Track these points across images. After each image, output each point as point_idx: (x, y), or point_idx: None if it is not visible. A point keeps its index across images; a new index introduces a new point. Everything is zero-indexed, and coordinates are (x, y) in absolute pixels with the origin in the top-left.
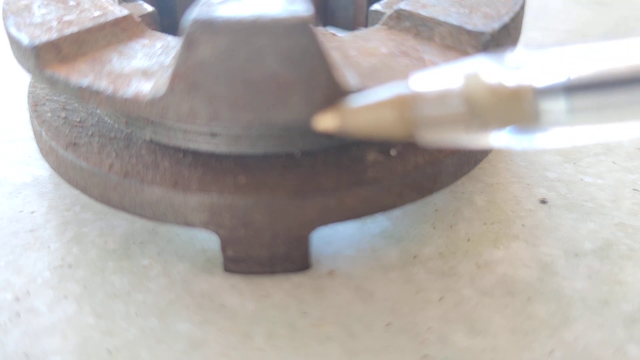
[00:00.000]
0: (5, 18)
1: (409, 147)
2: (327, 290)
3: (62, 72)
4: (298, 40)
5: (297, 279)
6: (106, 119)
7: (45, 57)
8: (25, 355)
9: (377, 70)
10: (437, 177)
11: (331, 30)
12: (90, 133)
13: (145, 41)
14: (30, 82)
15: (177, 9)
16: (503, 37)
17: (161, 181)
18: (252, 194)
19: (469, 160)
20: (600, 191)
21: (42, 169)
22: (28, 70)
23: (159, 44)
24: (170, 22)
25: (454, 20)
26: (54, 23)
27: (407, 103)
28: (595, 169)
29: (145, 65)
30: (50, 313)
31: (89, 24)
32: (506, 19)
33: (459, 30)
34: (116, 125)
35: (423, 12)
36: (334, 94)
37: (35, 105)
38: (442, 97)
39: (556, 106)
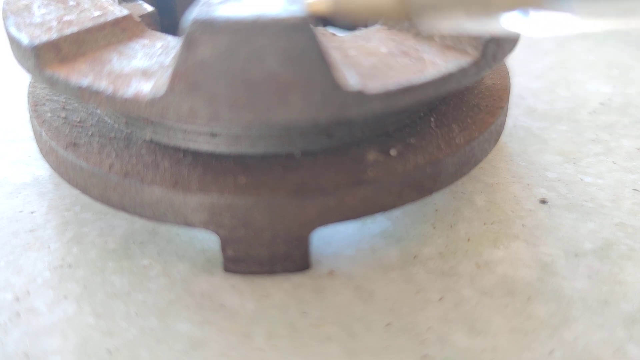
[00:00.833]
0: (5, 18)
1: (409, 147)
2: (327, 290)
3: (62, 72)
4: (298, 40)
5: (297, 279)
6: (106, 119)
7: (45, 57)
8: (25, 355)
9: (377, 70)
10: (437, 177)
11: (331, 30)
12: (90, 133)
13: (145, 41)
14: (30, 82)
15: (177, 9)
16: (503, 37)
17: (161, 181)
18: (252, 194)
19: (469, 160)
20: (600, 191)
21: (42, 169)
22: (28, 70)
23: (159, 44)
24: (170, 22)
25: None
26: (54, 23)
27: None
28: (595, 169)
29: (145, 65)
30: (50, 313)
31: (88, 24)
32: None
33: None
34: (116, 125)
35: None
36: (334, 93)
37: (35, 105)
38: None
39: None
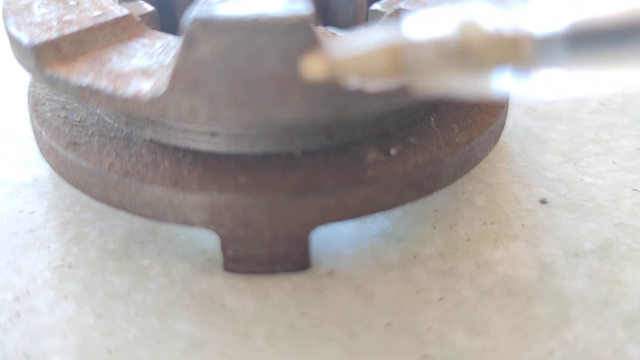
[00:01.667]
0: (5, 18)
1: (409, 146)
2: (327, 290)
3: (62, 72)
4: (298, 39)
5: (297, 279)
6: (106, 118)
7: (45, 57)
8: (25, 355)
9: None
10: (437, 177)
11: (331, 29)
12: (90, 132)
13: (145, 40)
14: (30, 82)
15: (177, 8)
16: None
17: (161, 181)
18: (252, 194)
19: (469, 160)
20: (600, 191)
21: (42, 169)
22: (28, 69)
23: (159, 43)
24: (170, 22)
25: None
26: (54, 22)
27: (399, 50)
28: (595, 169)
29: (145, 65)
30: (50, 313)
31: (89, 23)
32: None
33: None
34: (116, 125)
35: None
36: (334, 93)
37: (35, 105)
38: (436, 44)
39: (555, 54)
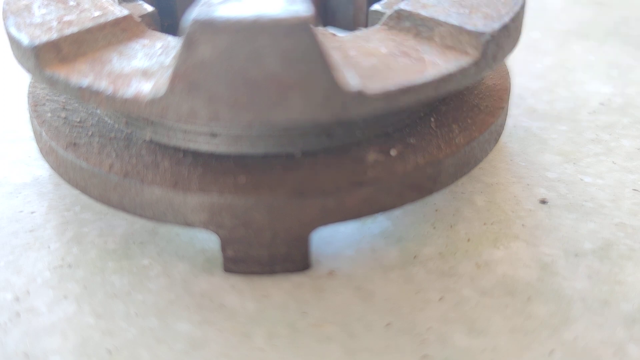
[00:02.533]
0: (5, 18)
1: (409, 147)
2: (327, 290)
3: (62, 72)
4: (298, 41)
5: (297, 279)
6: (106, 119)
7: (45, 57)
8: (25, 355)
9: (377, 71)
10: (437, 177)
11: (331, 30)
12: (90, 133)
13: (145, 41)
14: (30, 82)
15: (177, 9)
16: (503, 37)
17: (161, 181)
18: (252, 194)
19: (469, 160)
20: (600, 191)
21: (42, 169)
22: (28, 70)
23: (159, 44)
24: (170, 22)
25: (454, 20)
26: (54, 23)
27: None
28: (595, 169)
29: (145, 66)
30: (50, 313)
31: (89, 24)
32: (506, 19)
33: (459, 30)
34: (116, 126)
35: (423, 13)
36: (334, 94)
37: (35, 105)
38: None
39: None
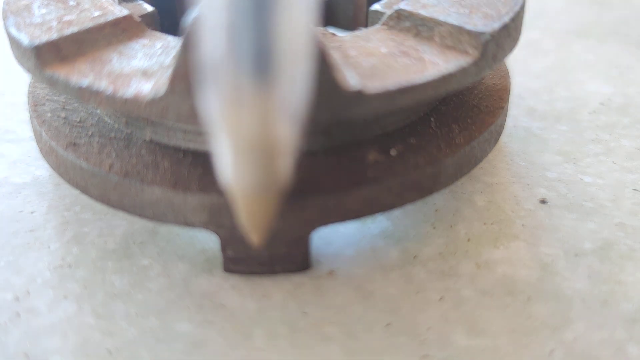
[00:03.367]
0: (5, 18)
1: (409, 147)
2: (327, 290)
3: (62, 72)
4: None
5: (297, 279)
6: (106, 119)
7: (45, 57)
8: (25, 355)
9: (377, 70)
10: (437, 177)
11: (331, 30)
12: (90, 133)
13: (145, 41)
14: (30, 82)
15: (177, 9)
16: (503, 37)
17: (161, 181)
18: None
19: (469, 160)
20: (600, 191)
21: (42, 169)
22: (28, 70)
23: (159, 44)
24: (170, 22)
25: (454, 20)
26: (54, 23)
27: None
28: (595, 169)
29: (145, 66)
30: (50, 313)
31: (89, 24)
32: (506, 19)
33: (459, 30)
34: (116, 125)
35: (423, 12)
36: (334, 94)
37: (35, 105)
38: None
39: None
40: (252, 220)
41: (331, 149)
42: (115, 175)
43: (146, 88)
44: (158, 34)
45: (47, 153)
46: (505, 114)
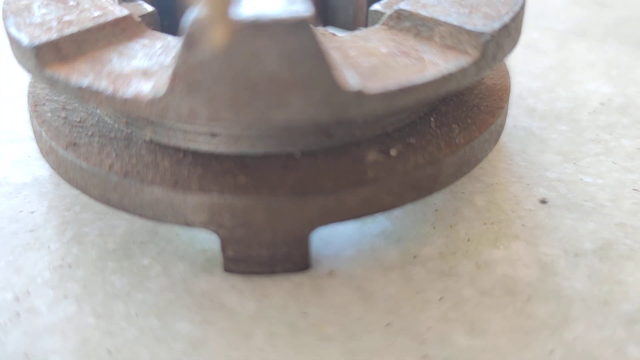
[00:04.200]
0: (5, 18)
1: (409, 147)
2: (327, 290)
3: (62, 72)
4: (298, 41)
5: (297, 279)
6: (106, 119)
7: (45, 57)
8: (25, 355)
9: (377, 70)
10: (437, 177)
11: (331, 30)
12: (90, 133)
13: (145, 41)
14: (30, 82)
15: (177, 9)
16: (503, 37)
17: (161, 181)
18: (252, 194)
19: (469, 160)
20: (600, 191)
21: (42, 169)
22: (28, 70)
23: (159, 44)
24: (170, 22)
25: (454, 20)
26: (54, 23)
27: None
28: (595, 169)
29: (145, 65)
30: (50, 313)
31: (88, 24)
32: (506, 19)
33: (459, 30)
34: (116, 125)
35: (423, 12)
36: (334, 94)
37: (35, 105)
38: None
39: None
40: (215, 8)
41: (331, 149)
42: (115, 175)
43: (146, 88)
44: (158, 34)
45: (47, 153)
46: (505, 114)
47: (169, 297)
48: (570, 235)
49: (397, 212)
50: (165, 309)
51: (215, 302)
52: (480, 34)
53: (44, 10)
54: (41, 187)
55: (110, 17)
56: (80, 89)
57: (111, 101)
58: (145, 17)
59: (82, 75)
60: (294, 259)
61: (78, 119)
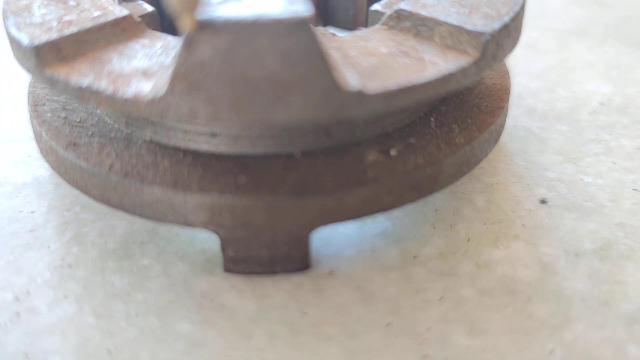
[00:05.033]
0: (5, 18)
1: (408, 147)
2: (327, 290)
3: (62, 72)
4: (298, 40)
5: (297, 279)
6: (106, 119)
7: (45, 57)
8: (25, 356)
9: (377, 70)
10: (437, 177)
11: (331, 30)
12: (90, 133)
13: (145, 41)
14: (30, 82)
15: None
16: (503, 37)
17: (161, 181)
18: (252, 194)
19: (469, 160)
20: (600, 191)
21: (42, 169)
22: (28, 70)
23: (159, 44)
24: (170, 22)
25: (454, 20)
26: (54, 23)
27: None
28: (595, 169)
29: (145, 65)
30: (50, 313)
31: (88, 24)
32: (506, 19)
33: (459, 30)
34: (116, 125)
35: (423, 12)
36: (334, 94)
37: (35, 105)
38: None
39: None
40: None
41: (331, 149)
42: (115, 175)
43: (146, 88)
44: (158, 33)
45: (47, 153)
46: (505, 114)
47: (169, 297)
48: (570, 235)
49: (397, 212)
50: (165, 309)
51: (215, 302)
52: (480, 34)
53: (44, 10)
54: (41, 187)
55: (110, 17)
56: (80, 89)
57: (111, 101)
58: (145, 17)
59: (82, 75)
60: (294, 259)
61: (78, 119)
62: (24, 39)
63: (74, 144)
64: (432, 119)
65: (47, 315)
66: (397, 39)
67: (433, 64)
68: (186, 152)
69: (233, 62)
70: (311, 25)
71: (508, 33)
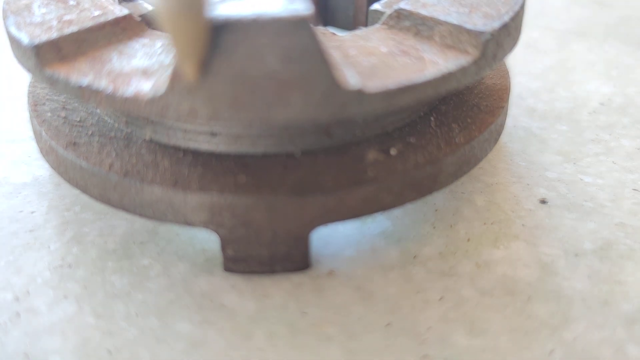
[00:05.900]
0: (5, 17)
1: (408, 146)
2: (327, 290)
3: (62, 72)
4: (298, 39)
5: (297, 278)
6: (106, 118)
7: (46, 57)
8: (25, 355)
9: (377, 69)
10: (437, 177)
11: (331, 29)
12: (90, 132)
13: (145, 40)
14: (30, 82)
15: None
16: (503, 37)
17: (161, 181)
18: (252, 194)
19: (468, 160)
20: (600, 191)
21: (42, 169)
22: (28, 69)
23: (159, 43)
24: None
25: (454, 19)
26: (54, 22)
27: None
28: (595, 169)
29: (145, 65)
30: (50, 313)
31: (89, 23)
32: (506, 18)
33: (459, 29)
34: (116, 125)
35: (423, 12)
36: (334, 93)
37: (35, 105)
38: None
39: None
40: (182, 45)
41: (331, 148)
42: (115, 174)
43: (146, 87)
44: (158, 33)
45: (47, 153)
46: (505, 114)
47: (169, 297)
48: (570, 235)
49: (397, 212)
50: (165, 309)
51: (215, 302)
52: (480, 33)
53: (44, 10)
54: (41, 187)
55: (110, 17)
56: (80, 88)
57: (111, 100)
58: (146, 16)
59: (82, 74)
60: (294, 258)
61: (78, 119)
62: (24, 38)
63: (74, 144)
64: (432, 118)
65: (47, 315)
66: (397, 38)
67: (433, 63)
68: (186, 151)
69: (233, 60)
70: (311, 24)
71: (508, 32)
